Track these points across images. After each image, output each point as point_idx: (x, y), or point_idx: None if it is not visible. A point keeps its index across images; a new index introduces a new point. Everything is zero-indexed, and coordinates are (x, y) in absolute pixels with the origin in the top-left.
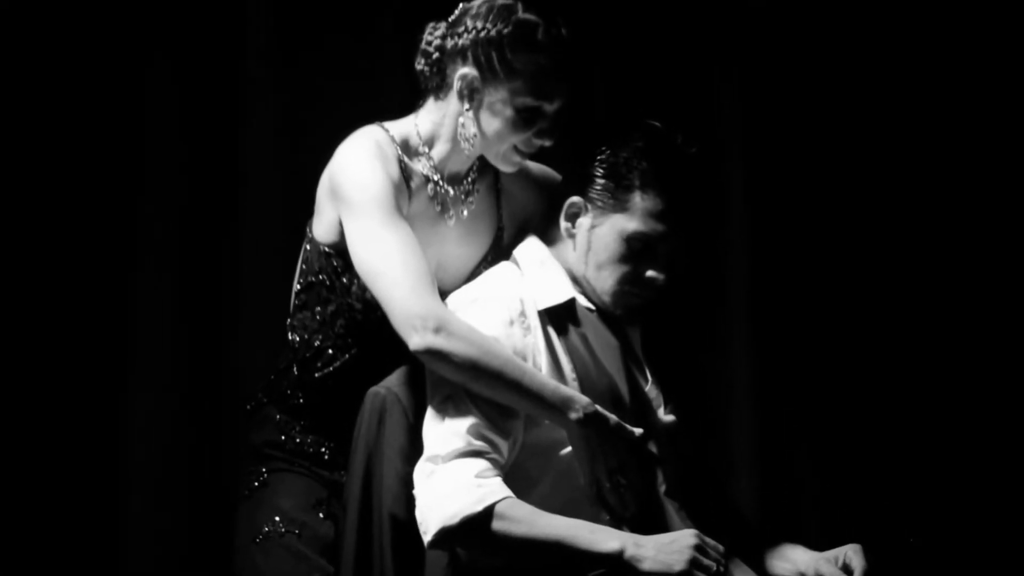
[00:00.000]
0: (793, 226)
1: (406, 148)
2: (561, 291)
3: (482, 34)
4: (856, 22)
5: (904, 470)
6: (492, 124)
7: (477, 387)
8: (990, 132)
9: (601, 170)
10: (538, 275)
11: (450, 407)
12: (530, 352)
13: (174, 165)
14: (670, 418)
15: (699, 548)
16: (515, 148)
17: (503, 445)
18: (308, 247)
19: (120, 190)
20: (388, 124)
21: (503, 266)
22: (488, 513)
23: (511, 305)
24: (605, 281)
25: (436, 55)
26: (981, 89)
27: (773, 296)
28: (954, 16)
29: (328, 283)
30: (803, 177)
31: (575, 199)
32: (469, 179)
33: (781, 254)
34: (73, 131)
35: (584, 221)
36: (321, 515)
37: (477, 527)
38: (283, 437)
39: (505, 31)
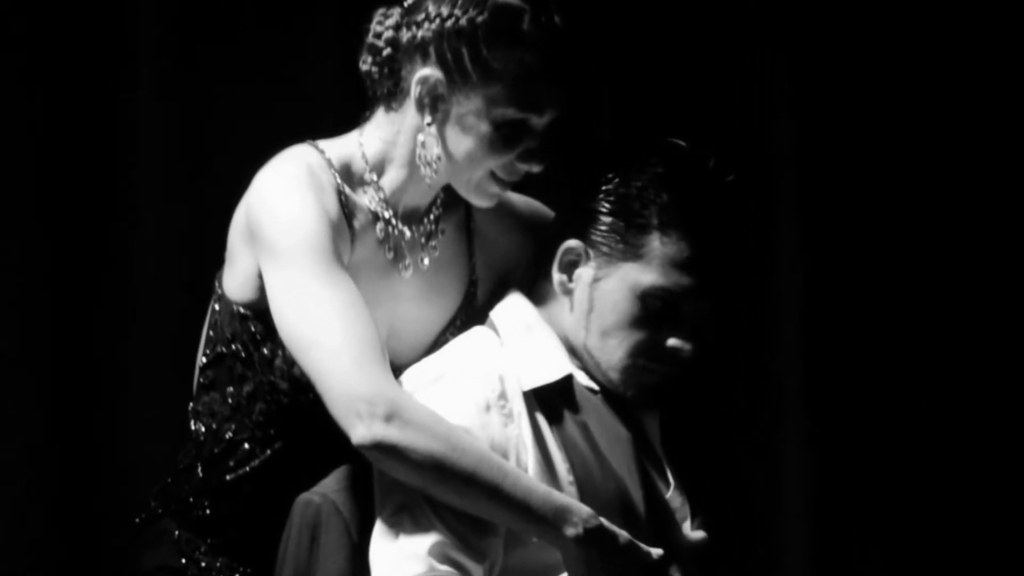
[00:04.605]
0: (859, 276)
1: (347, 175)
2: (554, 366)
3: (448, 23)
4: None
5: None
6: (462, 143)
7: (442, 493)
8: None
9: (608, 205)
10: (523, 345)
11: (406, 520)
12: (512, 447)
13: (36, 194)
14: (699, 535)
15: None
16: (493, 175)
17: (477, 570)
18: (217, 307)
19: None
20: (324, 143)
21: (477, 332)
22: None
23: (487, 384)
24: (613, 352)
25: (388, 51)
26: None
27: (833, 370)
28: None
29: (244, 355)
30: (871, 213)
31: (573, 243)
32: (431, 217)
33: (844, 313)
34: None
35: (585, 273)
36: None
37: None
38: (184, 560)
39: (479, 19)
